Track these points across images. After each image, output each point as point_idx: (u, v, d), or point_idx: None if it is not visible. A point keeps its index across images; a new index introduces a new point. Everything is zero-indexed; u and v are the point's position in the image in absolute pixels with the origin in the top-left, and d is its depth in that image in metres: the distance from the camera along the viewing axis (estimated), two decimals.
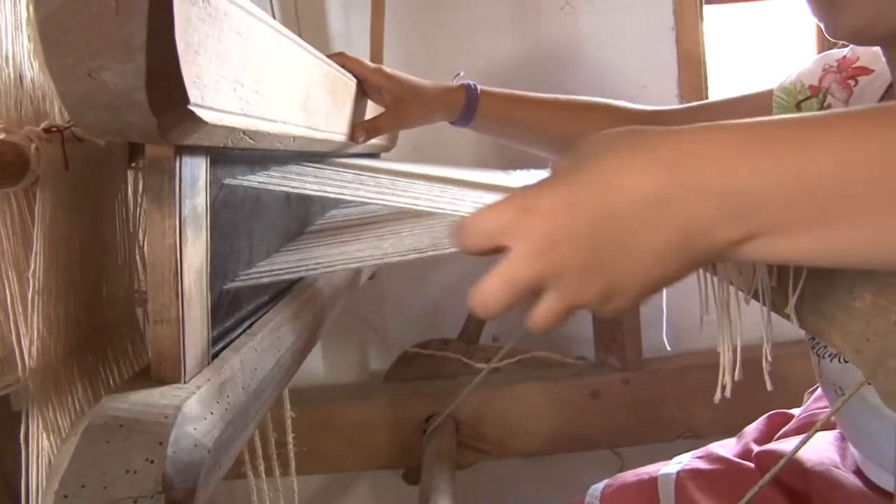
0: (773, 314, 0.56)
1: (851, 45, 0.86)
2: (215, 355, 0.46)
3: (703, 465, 0.91)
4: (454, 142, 1.46)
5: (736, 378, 0.60)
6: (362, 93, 0.94)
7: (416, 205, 0.60)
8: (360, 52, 1.03)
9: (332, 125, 0.75)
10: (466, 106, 1.00)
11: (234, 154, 0.52)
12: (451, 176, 0.93)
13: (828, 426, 0.87)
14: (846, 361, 0.68)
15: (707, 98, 1.66)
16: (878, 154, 0.35)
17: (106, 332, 0.59)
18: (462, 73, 1.05)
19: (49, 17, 0.33)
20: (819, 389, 0.95)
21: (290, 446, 1.01)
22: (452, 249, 0.58)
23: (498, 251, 0.41)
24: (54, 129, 0.51)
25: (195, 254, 0.43)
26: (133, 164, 0.64)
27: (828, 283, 0.45)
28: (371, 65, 0.95)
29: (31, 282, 0.50)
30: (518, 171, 1.23)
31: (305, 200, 0.80)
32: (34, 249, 0.50)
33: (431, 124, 1.04)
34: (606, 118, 1.04)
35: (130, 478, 0.34)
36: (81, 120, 0.35)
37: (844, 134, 0.36)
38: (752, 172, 0.36)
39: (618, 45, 1.66)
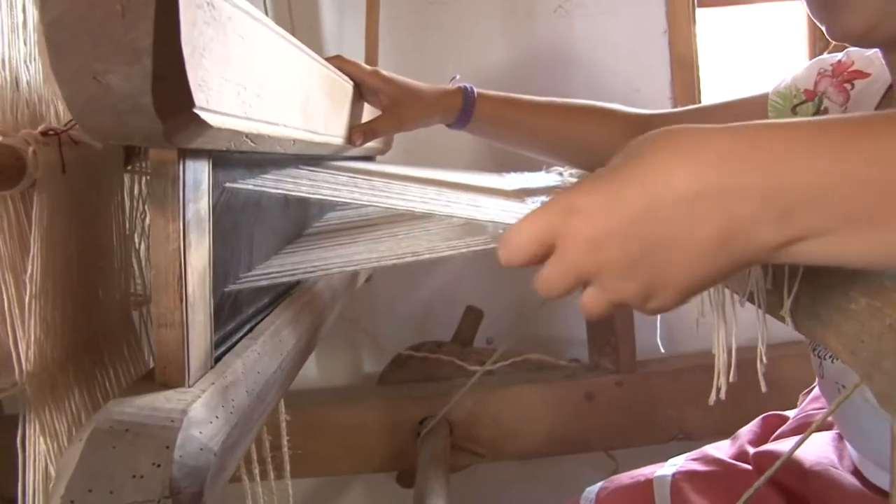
0: (768, 316, 0.56)
1: (846, 50, 0.86)
2: (217, 359, 0.46)
3: (698, 466, 0.91)
4: (446, 144, 1.46)
5: (731, 380, 0.60)
6: (359, 96, 0.94)
7: (412, 207, 0.60)
8: (354, 53, 1.03)
9: (331, 128, 0.75)
10: (463, 109, 1.00)
11: (234, 157, 0.52)
12: (446, 178, 0.93)
13: (825, 426, 0.87)
14: None
15: (699, 101, 1.67)
16: None
17: (102, 336, 0.59)
18: (458, 77, 1.05)
19: (55, 22, 0.33)
20: (815, 390, 0.96)
21: (285, 449, 1.00)
22: (448, 253, 0.58)
23: (545, 259, 0.42)
24: (51, 132, 0.51)
25: (198, 257, 0.43)
26: (129, 168, 0.64)
27: (823, 286, 0.45)
28: (368, 67, 0.95)
29: (27, 285, 0.50)
30: (511, 174, 1.23)
31: (303, 203, 0.80)
32: (31, 253, 0.50)
33: (425, 127, 1.04)
34: (602, 122, 1.04)
35: (137, 482, 0.34)
36: (86, 124, 0.35)
37: (889, 132, 0.36)
38: (796, 171, 0.36)
39: (611, 48, 1.67)
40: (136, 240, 0.65)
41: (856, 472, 0.79)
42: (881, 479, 0.74)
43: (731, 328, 0.61)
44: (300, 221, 0.80)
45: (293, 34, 0.58)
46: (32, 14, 0.55)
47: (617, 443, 1.53)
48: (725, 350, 0.61)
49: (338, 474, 1.62)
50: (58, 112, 0.58)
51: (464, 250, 0.58)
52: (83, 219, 0.55)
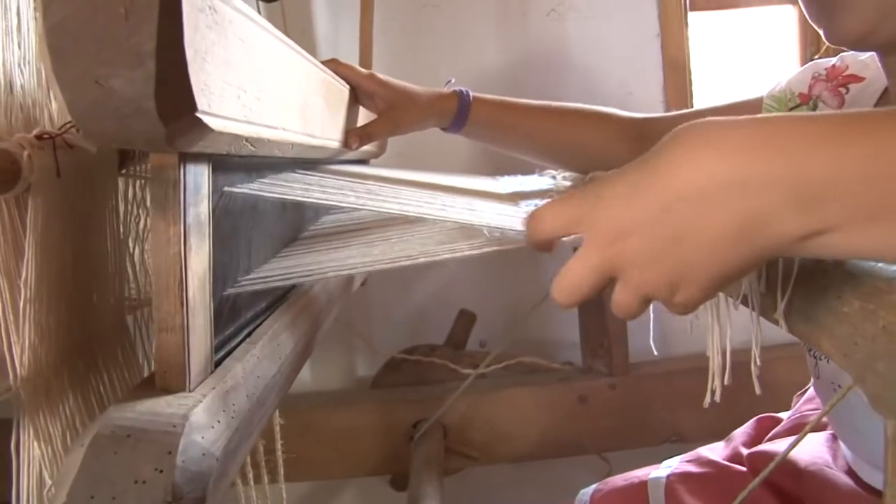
0: (761, 318, 0.56)
1: (840, 55, 0.87)
2: (217, 363, 0.46)
3: (692, 468, 0.92)
4: (440, 148, 1.46)
5: (725, 382, 0.60)
6: (354, 99, 0.94)
7: (407, 211, 0.60)
8: (348, 56, 1.03)
9: (327, 132, 0.75)
10: (458, 112, 1.00)
11: (232, 161, 0.51)
12: (440, 182, 0.93)
13: (819, 427, 0.87)
14: None
15: (692, 104, 1.68)
16: None
17: (97, 340, 0.59)
18: (453, 80, 1.05)
19: (57, 26, 0.33)
20: (809, 392, 0.96)
21: (279, 453, 1.00)
22: (443, 256, 0.58)
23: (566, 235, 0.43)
24: (46, 136, 0.51)
25: (199, 261, 0.43)
26: (124, 171, 0.63)
27: (816, 289, 0.45)
28: (363, 71, 0.94)
29: (22, 290, 0.49)
30: (505, 177, 1.23)
31: (299, 206, 0.80)
32: (25, 257, 0.49)
33: (420, 131, 1.04)
34: (597, 125, 1.05)
35: (140, 488, 0.34)
36: (88, 128, 0.35)
37: None
38: (822, 163, 0.36)
39: (604, 52, 1.68)
40: (131, 244, 0.65)
41: (850, 472, 0.79)
42: (875, 479, 0.75)
43: (725, 330, 0.61)
44: (296, 225, 0.80)
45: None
46: (27, 17, 0.55)
47: (610, 445, 1.53)
48: (720, 352, 0.61)
49: (331, 478, 1.62)
50: (51, 116, 0.58)
51: (458, 254, 0.58)
52: (78, 223, 0.55)
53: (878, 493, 0.74)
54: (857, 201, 0.35)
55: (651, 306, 0.45)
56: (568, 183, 1.00)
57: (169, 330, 0.40)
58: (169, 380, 0.41)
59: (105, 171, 0.59)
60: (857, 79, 0.84)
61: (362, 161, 1.20)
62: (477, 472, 1.56)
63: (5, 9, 0.54)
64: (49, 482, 0.52)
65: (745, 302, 0.56)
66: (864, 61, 0.84)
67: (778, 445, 0.88)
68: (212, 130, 0.38)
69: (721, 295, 0.60)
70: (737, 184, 0.37)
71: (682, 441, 1.50)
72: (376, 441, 1.50)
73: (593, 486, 0.97)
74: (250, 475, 0.89)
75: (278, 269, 0.59)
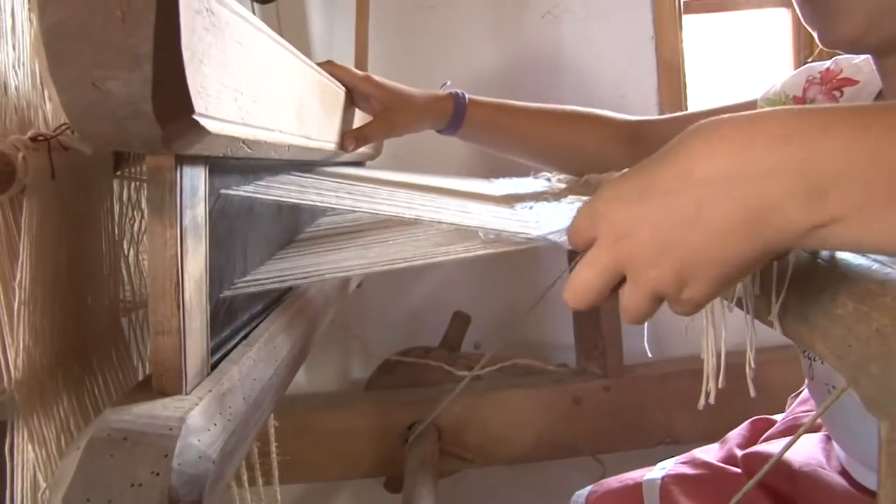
0: (756, 321, 0.56)
1: (834, 58, 0.87)
2: (213, 366, 0.46)
3: (687, 470, 0.92)
4: (435, 150, 1.47)
5: (720, 385, 0.60)
6: (350, 101, 0.94)
7: (402, 214, 0.60)
8: (343, 58, 1.03)
9: (323, 134, 0.75)
10: (454, 114, 1.00)
11: (229, 163, 0.51)
12: (435, 184, 0.93)
13: (813, 428, 0.88)
14: None
15: (686, 106, 1.68)
16: None
17: (91, 342, 0.59)
18: (449, 83, 1.05)
19: (54, 28, 0.33)
20: (803, 394, 0.96)
21: (274, 455, 1.00)
22: (438, 259, 0.58)
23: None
24: (41, 137, 0.51)
25: (195, 264, 0.43)
26: (119, 173, 0.63)
27: (810, 291, 0.45)
28: (359, 73, 0.95)
29: (16, 292, 0.49)
30: (500, 179, 1.24)
31: (296, 209, 0.80)
32: (20, 259, 0.49)
33: (416, 133, 1.04)
34: (592, 128, 1.05)
35: (136, 491, 0.34)
36: (85, 130, 0.35)
37: None
38: (830, 151, 0.36)
39: (598, 54, 1.68)
40: (126, 246, 0.65)
41: (843, 473, 0.79)
42: (868, 480, 0.75)
43: (719, 333, 0.61)
44: (292, 227, 0.80)
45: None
46: (21, 19, 0.55)
47: (604, 447, 1.53)
48: (714, 354, 0.61)
49: (326, 480, 1.62)
50: (46, 117, 0.58)
51: (454, 256, 0.58)
52: (72, 225, 0.54)
53: (871, 494, 0.74)
54: (865, 190, 0.35)
55: None
56: (563, 185, 1.00)
57: (165, 333, 0.40)
58: (165, 382, 0.40)
59: (100, 173, 0.59)
60: (851, 82, 0.84)
61: (358, 163, 1.20)
62: (472, 474, 1.56)
63: None
64: (43, 485, 0.51)
65: (739, 304, 0.56)
66: (858, 65, 0.84)
67: (772, 446, 0.88)
68: (209, 133, 0.38)
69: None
70: (746, 172, 0.37)
71: (676, 443, 1.50)
72: (371, 443, 1.49)
73: (588, 488, 0.97)
74: (245, 477, 0.89)
75: (274, 272, 0.59)
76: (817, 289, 0.45)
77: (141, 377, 0.62)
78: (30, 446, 0.51)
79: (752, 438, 0.96)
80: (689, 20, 1.72)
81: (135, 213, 0.66)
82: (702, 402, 0.61)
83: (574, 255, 0.46)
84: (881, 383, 0.38)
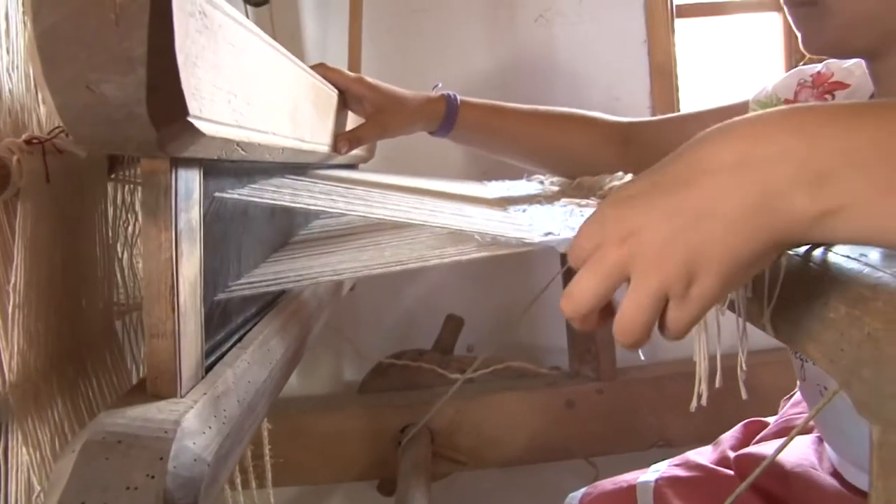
0: (748, 324, 0.56)
1: (825, 62, 0.88)
2: (208, 369, 0.46)
3: (680, 472, 0.92)
4: (427, 152, 1.47)
5: (713, 387, 0.60)
6: (343, 104, 0.94)
7: (397, 217, 0.60)
8: (336, 60, 1.03)
9: (317, 136, 0.75)
10: (446, 116, 1.01)
11: (223, 166, 0.51)
12: (428, 187, 0.93)
13: (805, 430, 0.88)
14: None
15: (678, 109, 1.69)
16: None
17: (86, 345, 0.59)
18: (440, 85, 1.05)
19: (48, 32, 0.33)
20: (796, 396, 0.97)
21: (267, 458, 1.00)
22: (432, 262, 0.58)
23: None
24: (35, 140, 0.51)
25: (190, 267, 0.42)
26: (113, 176, 0.63)
27: (802, 295, 0.46)
28: (352, 74, 0.95)
29: (11, 295, 0.49)
30: (493, 182, 1.24)
31: (289, 211, 0.80)
32: (14, 262, 0.49)
33: (408, 135, 1.04)
34: (584, 129, 1.05)
35: (131, 494, 0.33)
36: (79, 133, 0.35)
37: None
38: (835, 138, 0.36)
39: (591, 57, 1.68)
40: (120, 249, 0.65)
41: (835, 474, 0.79)
42: (860, 481, 0.75)
43: (712, 336, 0.61)
44: (286, 230, 0.80)
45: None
46: (15, 23, 0.55)
47: (598, 450, 1.54)
48: (707, 357, 0.61)
49: (319, 483, 1.61)
50: (40, 120, 0.57)
51: (448, 259, 0.58)
52: (67, 228, 0.54)
53: (862, 494, 0.74)
54: (867, 178, 0.35)
55: None
56: (556, 188, 1.01)
57: (160, 336, 0.40)
58: (160, 385, 0.40)
59: (94, 176, 0.59)
60: (842, 85, 0.85)
61: (351, 165, 1.20)
62: (465, 476, 1.56)
63: None
64: (38, 488, 0.51)
65: (731, 307, 0.56)
66: (849, 68, 0.85)
67: (765, 448, 0.88)
68: (203, 135, 0.38)
69: None
70: (753, 161, 0.37)
71: (669, 446, 1.51)
72: (364, 446, 1.49)
73: (582, 490, 0.97)
74: (238, 480, 0.88)
75: (268, 274, 0.59)
76: (809, 293, 0.45)
77: (135, 380, 0.62)
78: (24, 449, 0.51)
79: (745, 440, 0.96)
80: (681, 24, 1.73)
81: (129, 215, 0.66)
82: (694, 404, 0.61)
83: (567, 258, 0.45)
84: (873, 387, 0.38)
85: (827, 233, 0.37)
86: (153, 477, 0.34)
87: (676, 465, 0.94)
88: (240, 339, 0.54)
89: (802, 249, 0.49)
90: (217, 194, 0.50)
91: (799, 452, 0.84)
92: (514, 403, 1.52)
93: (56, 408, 0.54)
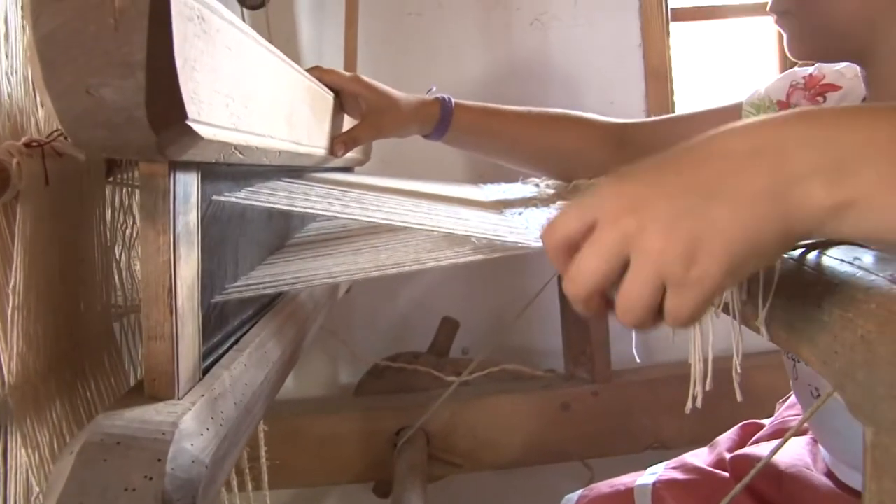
0: (743, 327, 0.57)
1: (817, 65, 0.89)
2: (205, 371, 0.46)
3: (678, 475, 0.92)
4: (422, 155, 1.47)
5: (707, 389, 0.61)
6: (339, 107, 0.94)
7: (394, 220, 0.61)
8: (332, 64, 1.03)
9: (313, 139, 0.75)
10: (441, 119, 1.01)
11: (220, 169, 0.52)
12: (424, 190, 0.94)
13: (799, 431, 0.88)
14: None
15: (673, 112, 1.69)
16: None
17: (84, 347, 0.59)
18: (435, 88, 1.06)
19: (48, 37, 0.33)
20: (790, 398, 0.97)
21: (263, 460, 1.00)
22: (431, 264, 0.59)
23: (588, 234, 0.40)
24: (35, 143, 0.51)
25: (187, 269, 0.43)
26: (111, 179, 0.63)
27: (797, 298, 0.46)
28: (347, 74, 0.95)
29: (10, 297, 0.49)
30: (488, 185, 1.24)
31: (286, 214, 0.80)
32: (14, 265, 0.49)
33: (402, 138, 1.04)
34: (578, 130, 1.05)
35: (130, 495, 0.34)
36: (79, 137, 0.35)
37: None
38: (853, 130, 0.36)
39: (586, 61, 1.69)
40: (118, 251, 0.65)
41: (829, 474, 0.80)
42: (853, 480, 0.75)
43: (706, 338, 0.61)
44: (283, 232, 0.80)
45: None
46: (14, 27, 0.55)
47: (593, 452, 1.54)
48: (701, 360, 0.61)
49: (315, 485, 1.61)
50: (38, 124, 0.58)
51: (444, 262, 0.58)
52: (66, 230, 0.55)
53: (856, 494, 0.75)
54: (887, 171, 0.35)
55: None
56: (551, 191, 1.01)
57: (158, 338, 0.41)
58: (158, 387, 0.41)
59: (93, 178, 0.59)
60: (833, 88, 0.85)
61: (347, 168, 1.20)
62: (460, 479, 1.56)
63: None
64: (37, 489, 0.51)
65: (726, 310, 0.56)
66: (840, 71, 0.85)
67: (760, 449, 0.89)
68: (202, 138, 0.38)
69: None
70: (772, 146, 0.37)
71: (664, 448, 1.51)
72: (359, 448, 1.49)
73: (578, 492, 0.98)
74: (234, 482, 0.89)
75: (265, 277, 0.60)
76: (803, 295, 0.45)
77: (133, 382, 0.62)
78: (23, 450, 0.51)
79: (741, 442, 0.96)
80: (676, 27, 1.74)
81: (127, 218, 0.66)
82: (689, 406, 0.62)
83: None
84: (866, 389, 0.38)
85: (839, 226, 0.37)
86: (151, 478, 0.34)
87: (673, 468, 0.94)
88: (237, 342, 0.54)
89: (797, 253, 0.49)
90: (214, 197, 0.50)
91: (793, 453, 0.84)
92: (510, 406, 1.52)
93: (55, 409, 0.54)
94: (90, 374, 0.59)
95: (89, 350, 0.59)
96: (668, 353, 1.50)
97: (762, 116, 0.39)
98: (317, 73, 0.88)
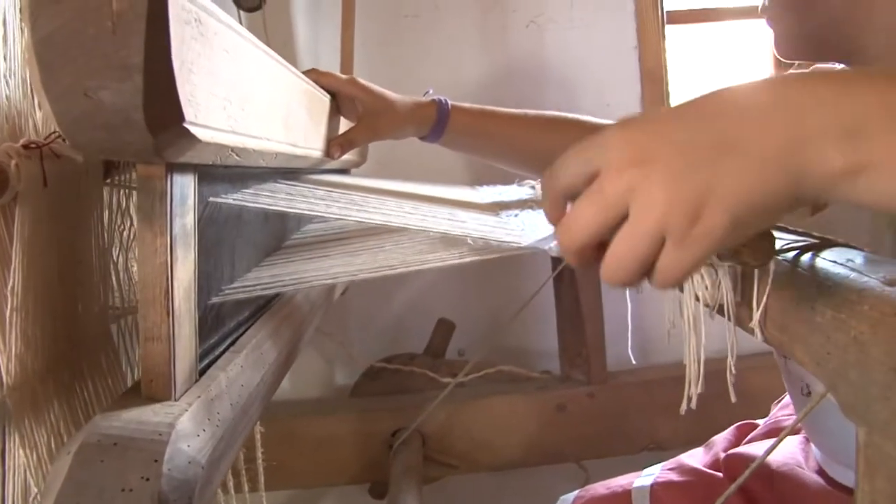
0: (737, 328, 0.57)
1: (812, 66, 0.89)
2: (202, 372, 0.46)
3: (675, 476, 0.92)
4: (418, 157, 1.47)
5: (701, 390, 0.61)
6: (335, 110, 0.94)
7: (391, 222, 0.61)
8: (329, 66, 1.04)
9: (310, 141, 0.75)
10: (437, 121, 1.01)
11: (217, 171, 0.52)
12: (421, 192, 0.94)
13: (792, 431, 0.88)
14: None
15: None
16: None
17: (81, 348, 0.59)
18: (431, 91, 1.06)
19: (46, 39, 0.33)
20: (785, 398, 0.97)
21: (260, 461, 1.00)
22: (427, 265, 0.59)
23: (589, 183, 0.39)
24: (33, 145, 0.51)
25: (184, 271, 0.43)
26: (108, 181, 0.64)
27: (790, 299, 0.46)
28: (343, 76, 0.95)
29: (9, 298, 0.49)
30: (484, 187, 1.24)
31: (282, 216, 0.80)
32: (12, 266, 0.49)
33: (398, 140, 1.04)
34: (574, 133, 1.06)
35: (126, 496, 0.34)
36: (77, 139, 0.35)
37: None
38: (872, 94, 0.35)
39: (582, 63, 1.69)
40: (115, 253, 0.65)
41: (820, 472, 0.80)
42: (845, 478, 0.76)
43: (701, 340, 0.62)
44: (279, 234, 0.80)
45: None
46: (12, 29, 0.55)
47: (589, 453, 1.54)
48: (696, 361, 0.62)
49: (311, 487, 1.61)
50: (36, 125, 0.58)
51: (440, 263, 0.59)
52: (64, 232, 0.55)
53: (847, 491, 0.75)
54: None
55: (628, 310, 0.44)
56: None
57: (155, 339, 0.41)
58: (155, 388, 0.41)
59: (91, 180, 0.59)
60: None
61: (343, 170, 1.20)
62: (456, 480, 1.56)
63: None
64: (35, 489, 0.52)
65: (721, 312, 0.57)
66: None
67: (753, 448, 0.89)
68: (199, 140, 0.38)
69: (698, 305, 0.61)
70: (788, 104, 0.36)
71: (659, 449, 1.51)
72: (356, 450, 1.49)
73: (573, 493, 0.98)
74: (231, 484, 0.89)
75: (262, 278, 0.60)
76: (797, 297, 0.45)
77: (130, 383, 0.62)
78: (21, 451, 0.51)
79: (737, 443, 0.97)
80: (671, 30, 1.74)
81: (124, 220, 0.66)
82: (684, 407, 0.62)
83: (558, 262, 0.45)
84: (859, 389, 0.39)
85: (849, 190, 0.36)
86: (148, 479, 0.34)
87: (670, 470, 0.94)
88: (233, 343, 0.54)
89: (791, 255, 0.49)
90: (211, 199, 0.50)
91: (785, 452, 0.84)
92: (506, 407, 1.53)
93: (53, 410, 0.54)
94: (88, 375, 0.59)
95: (87, 351, 0.59)
96: (663, 355, 1.50)
97: (779, 76, 0.38)
98: (313, 75, 0.88)
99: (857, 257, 0.45)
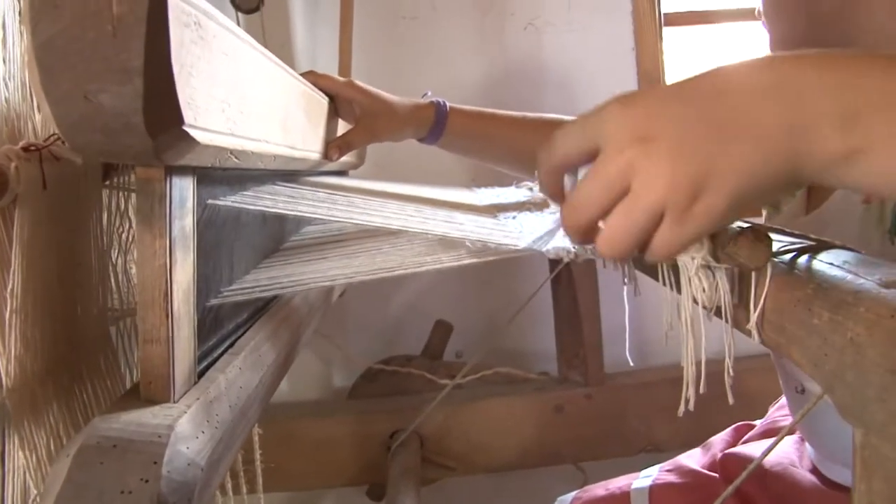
0: (735, 329, 0.57)
1: None
2: (200, 374, 0.46)
3: (673, 478, 0.92)
4: (416, 159, 1.47)
5: (699, 391, 0.61)
6: (333, 112, 0.94)
7: (390, 224, 0.61)
8: (327, 68, 1.04)
9: (308, 144, 0.75)
10: (436, 123, 1.01)
11: (215, 174, 0.52)
12: (419, 194, 0.94)
13: (790, 432, 0.89)
14: None
15: None
16: None
17: (80, 350, 0.59)
18: (430, 93, 1.06)
19: (46, 44, 0.33)
20: (782, 399, 0.98)
21: (258, 463, 1.00)
22: (426, 267, 0.59)
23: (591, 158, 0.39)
24: (33, 148, 0.51)
25: (183, 273, 0.43)
26: (108, 183, 0.64)
27: (787, 301, 0.46)
28: (341, 79, 0.96)
29: (8, 300, 0.50)
30: (482, 189, 1.24)
31: (281, 218, 0.80)
32: (11, 268, 0.49)
33: (396, 142, 1.05)
34: None
35: (126, 498, 0.34)
36: (77, 142, 0.35)
37: None
38: (873, 78, 0.36)
39: (579, 65, 1.69)
40: (114, 255, 0.65)
41: (814, 471, 0.80)
42: (839, 476, 0.76)
43: (699, 341, 0.62)
44: (278, 236, 0.80)
45: None
46: (12, 32, 0.55)
47: (586, 455, 1.54)
48: (694, 363, 0.62)
49: (309, 488, 1.61)
50: (36, 128, 0.58)
51: (438, 265, 0.59)
52: (63, 234, 0.55)
53: (840, 488, 0.75)
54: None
55: (626, 312, 0.43)
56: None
57: (154, 341, 0.41)
58: (154, 391, 0.41)
59: (90, 182, 0.59)
60: None
61: (341, 172, 1.20)
62: (454, 482, 1.56)
63: None
64: (34, 491, 0.52)
65: (718, 313, 0.57)
66: None
67: (749, 448, 0.89)
68: (198, 143, 0.38)
69: (696, 306, 0.61)
70: (789, 86, 0.36)
71: (657, 450, 1.51)
72: (353, 451, 1.49)
73: (571, 494, 0.98)
74: (229, 485, 0.88)
75: (260, 281, 0.60)
76: (794, 299, 0.45)
77: (129, 385, 0.62)
78: (21, 453, 0.51)
79: (734, 444, 0.97)
80: (669, 32, 1.74)
81: (123, 222, 0.66)
82: (681, 408, 0.62)
83: (556, 264, 0.45)
84: (855, 391, 0.39)
85: (846, 173, 0.37)
86: (147, 481, 0.34)
87: (668, 471, 0.94)
88: (231, 345, 0.54)
89: (788, 257, 0.49)
90: (210, 201, 0.50)
91: (780, 452, 0.85)
92: (503, 409, 1.53)
93: (52, 412, 0.54)
94: (87, 377, 0.59)
95: (86, 353, 0.59)
96: (660, 357, 1.50)
97: (782, 53, 0.39)
98: (311, 77, 0.88)
99: (854, 259, 0.45)
